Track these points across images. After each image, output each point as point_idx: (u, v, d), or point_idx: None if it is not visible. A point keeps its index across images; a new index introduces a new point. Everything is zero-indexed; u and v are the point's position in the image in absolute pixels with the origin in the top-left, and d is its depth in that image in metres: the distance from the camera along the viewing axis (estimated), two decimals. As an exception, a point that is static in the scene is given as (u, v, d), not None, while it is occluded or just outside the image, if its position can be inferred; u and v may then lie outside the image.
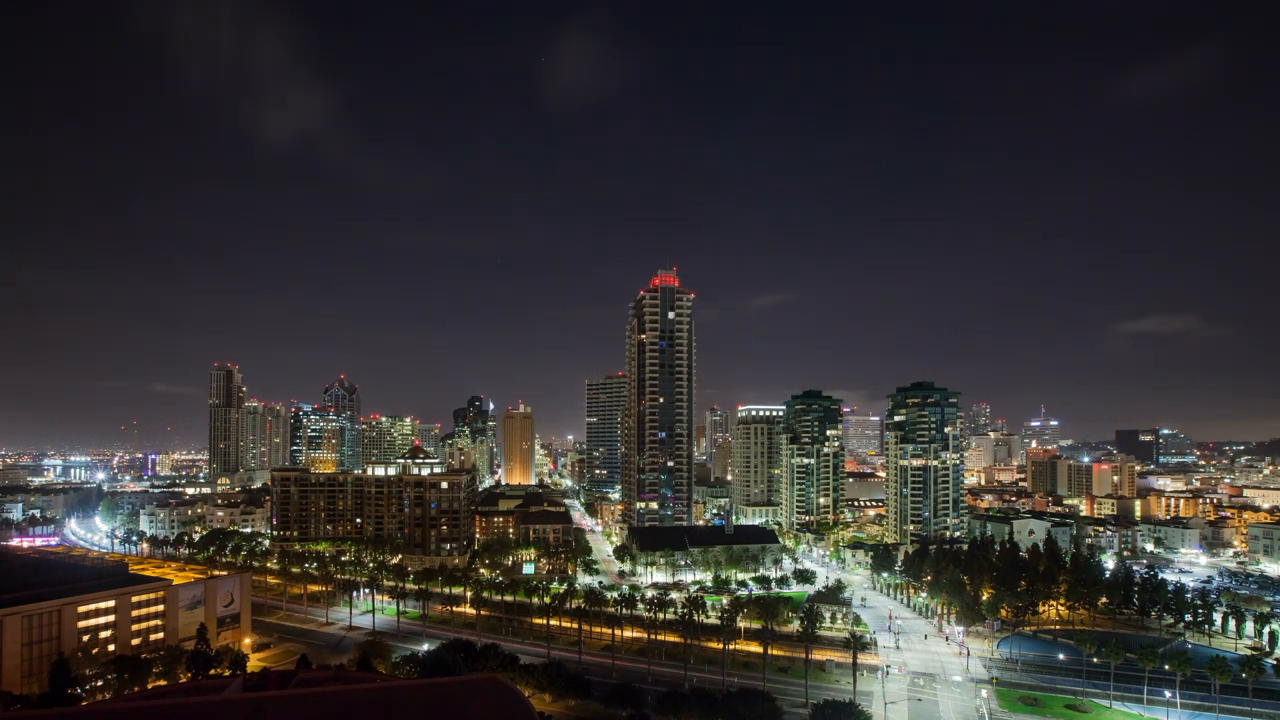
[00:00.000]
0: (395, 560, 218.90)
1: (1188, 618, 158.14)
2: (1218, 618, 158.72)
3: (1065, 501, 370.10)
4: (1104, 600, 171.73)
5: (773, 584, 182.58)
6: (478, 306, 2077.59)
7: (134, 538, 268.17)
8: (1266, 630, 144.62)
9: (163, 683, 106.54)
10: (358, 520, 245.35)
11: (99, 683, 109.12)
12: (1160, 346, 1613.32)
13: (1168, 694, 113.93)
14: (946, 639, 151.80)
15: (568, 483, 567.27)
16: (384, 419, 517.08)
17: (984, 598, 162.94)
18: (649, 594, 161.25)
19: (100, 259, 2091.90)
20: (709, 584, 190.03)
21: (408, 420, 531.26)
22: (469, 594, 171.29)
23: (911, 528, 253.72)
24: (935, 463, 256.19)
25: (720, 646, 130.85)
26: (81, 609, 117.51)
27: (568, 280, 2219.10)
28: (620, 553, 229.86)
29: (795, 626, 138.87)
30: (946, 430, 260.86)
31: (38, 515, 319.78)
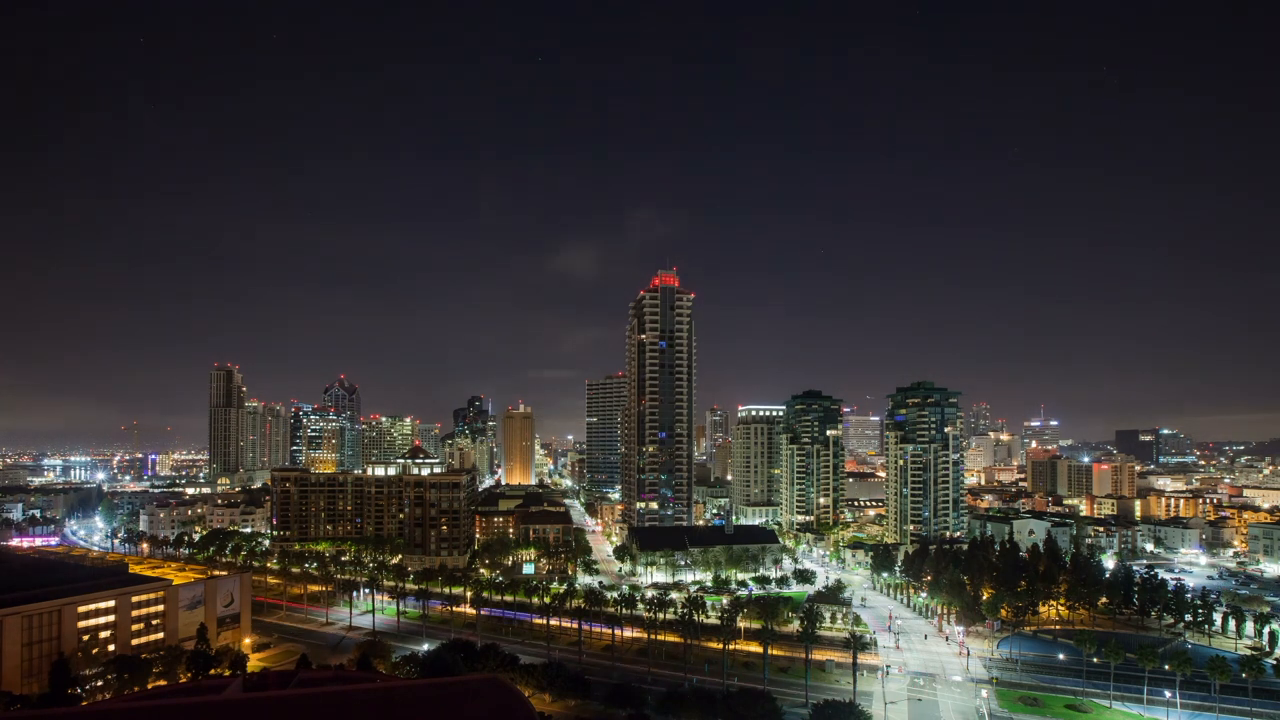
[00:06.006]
0: (395, 560, 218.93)
1: (1188, 618, 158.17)
2: (1218, 618, 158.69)
3: (1065, 501, 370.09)
4: (1104, 600, 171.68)
5: (773, 584, 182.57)
6: (477, 306, 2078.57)
7: (134, 538, 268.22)
8: (1266, 630, 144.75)
9: (163, 683, 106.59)
10: (358, 520, 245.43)
11: (99, 683, 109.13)
12: (1159, 347, 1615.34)
13: (1168, 694, 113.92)
14: (946, 639, 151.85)
15: (568, 483, 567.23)
16: (384, 419, 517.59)
17: (984, 598, 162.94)
18: (649, 594, 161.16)
19: (101, 259, 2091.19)
20: (709, 584, 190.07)
21: (408, 420, 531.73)
22: (469, 594, 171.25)
23: (911, 528, 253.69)
24: (935, 462, 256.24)
25: (720, 646, 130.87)
26: (81, 609, 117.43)
27: (568, 279, 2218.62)
28: (620, 553, 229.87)
29: (795, 626, 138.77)
30: (946, 430, 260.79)
31: (38, 515, 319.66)
